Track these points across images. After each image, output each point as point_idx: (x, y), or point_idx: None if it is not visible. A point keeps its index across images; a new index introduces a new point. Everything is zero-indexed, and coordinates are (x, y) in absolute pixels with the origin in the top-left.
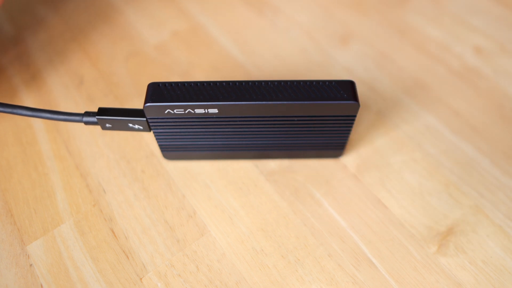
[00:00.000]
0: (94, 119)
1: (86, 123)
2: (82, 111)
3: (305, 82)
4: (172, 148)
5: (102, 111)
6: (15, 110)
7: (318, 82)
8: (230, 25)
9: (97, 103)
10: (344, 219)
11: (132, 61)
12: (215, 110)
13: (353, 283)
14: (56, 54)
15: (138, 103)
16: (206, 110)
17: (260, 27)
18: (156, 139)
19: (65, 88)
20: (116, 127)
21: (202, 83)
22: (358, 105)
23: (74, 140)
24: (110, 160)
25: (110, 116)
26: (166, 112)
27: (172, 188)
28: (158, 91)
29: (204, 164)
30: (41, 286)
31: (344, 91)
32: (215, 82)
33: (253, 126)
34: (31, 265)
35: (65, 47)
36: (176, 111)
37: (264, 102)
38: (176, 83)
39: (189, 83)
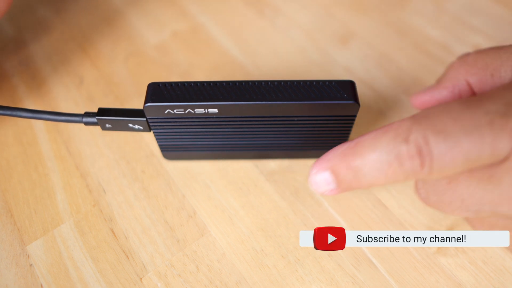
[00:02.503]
0: (94, 119)
1: (86, 123)
2: (82, 111)
3: (305, 82)
4: (172, 148)
5: (102, 112)
6: (15, 113)
7: (318, 82)
8: (230, 25)
9: (97, 103)
10: (344, 219)
11: (132, 61)
12: (215, 110)
13: (353, 283)
14: (56, 54)
15: (138, 103)
16: (206, 110)
17: (260, 27)
18: (156, 139)
19: (65, 88)
20: (116, 127)
21: (202, 83)
22: (358, 105)
23: (74, 141)
24: (110, 160)
25: (110, 117)
26: (166, 112)
27: (172, 188)
28: (158, 91)
29: (204, 164)
30: (41, 286)
31: (344, 91)
32: (215, 82)
33: (253, 126)
34: (31, 265)
35: (65, 47)
36: (176, 111)
37: (264, 102)
38: (176, 83)
39: (189, 83)
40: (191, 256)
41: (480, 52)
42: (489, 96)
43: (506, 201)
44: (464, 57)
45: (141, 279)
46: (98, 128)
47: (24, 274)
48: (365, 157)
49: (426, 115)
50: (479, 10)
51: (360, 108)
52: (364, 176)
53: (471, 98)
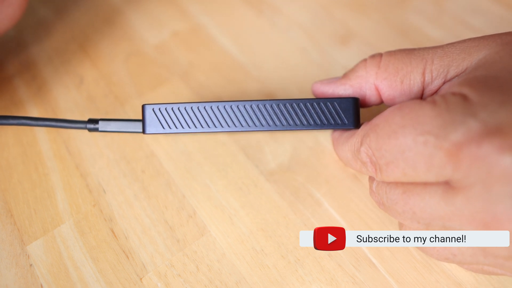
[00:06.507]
0: (97, 127)
1: (90, 130)
2: (83, 112)
3: (304, 103)
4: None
5: (105, 124)
6: (21, 121)
7: (318, 102)
8: (230, 25)
9: (97, 103)
10: (344, 219)
11: (132, 61)
12: (213, 133)
13: (353, 283)
14: (56, 55)
15: (138, 103)
16: (204, 133)
17: (260, 27)
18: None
19: (66, 88)
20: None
21: (196, 106)
22: (359, 127)
23: (74, 140)
24: (110, 160)
25: (112, 129)
26: (165, 133)
27: (172, 188)
28: (153, 118)
29: (204, 164)
30: (41, 286)
31: (346, 114)
32: (210, 105)
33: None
34: (31, 265)
35: (66, 47)
36: (175, 133)
37: (261, 129)
38: (170, 107)
39: (183, 106)
40: (191, 256)
41: (392, 55)
42: (427, 112)
43: (458, 218)
44: (377, 58)
45: (141, 279)
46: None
47: (24, 274)
48: (340, 153)
49: (374, 128)
50: (479, 10)
51: (360, 108)
52: (344, 163)
53: (410, 112)
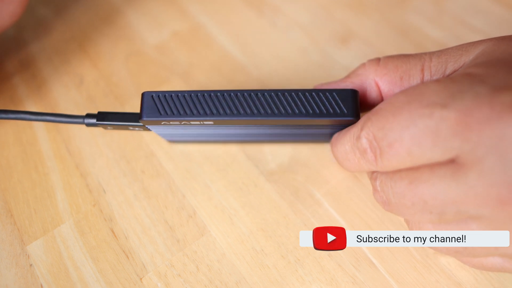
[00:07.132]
0: (94, 121)
1: (88, 124)
2: (82, 111)
3: (303, 92)
4: (174, 139)
5: (102, 117)
6: (20, 116)
7: (317, 93)
8: (230, 25)
9: (97, 103)
10: (344, 219)
11: (132, 61)
12: (211, 122)
13: (353, 283)
14: (56, 54)
15: (138, 103)
16: (201, 122)
17: (260, 27)
18: (157, 133)
19: (65, 88)
20: (117, 127)
21: (196, 94)
22: (359, 119)
23: (74, 140)
24: (110, 160)
25: (110, 122)
26: (162, 123)
27: (172, 188)
28: (151, 105)
29: (204, 164)
30: (41, 286)
31: (345, 104)
32: (209, 93)
33: (251, 129)
34: (31, 265)
35: (65, 47)
36: (172, 122)
37: (259, 118)
38: (170, 94)
39: (182, 93)
40: (191, 256)
41: (391, 56)
42: (432, 86)
43: (472, 199)
44: (375, 59)
45: (141, 279)
46: (98, 127)
47: (24, 274)
48: (338, 149)
49: (376, 111)
50: (479, 10)
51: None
52: (341, 162)
53: (415, 90)
